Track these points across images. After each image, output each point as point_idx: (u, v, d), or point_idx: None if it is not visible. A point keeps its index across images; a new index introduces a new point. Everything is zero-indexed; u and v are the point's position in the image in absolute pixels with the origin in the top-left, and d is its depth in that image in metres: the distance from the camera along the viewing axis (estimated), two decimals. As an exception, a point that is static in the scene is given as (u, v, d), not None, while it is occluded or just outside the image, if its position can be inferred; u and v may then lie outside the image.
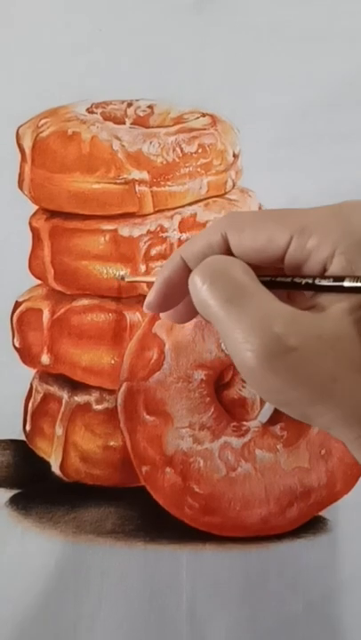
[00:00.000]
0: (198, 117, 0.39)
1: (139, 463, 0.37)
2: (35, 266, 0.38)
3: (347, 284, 0.23)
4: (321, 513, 0.37)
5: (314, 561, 0.36)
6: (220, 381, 0.38)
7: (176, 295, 0.27)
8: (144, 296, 0.37)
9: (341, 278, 0.23)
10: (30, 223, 0.39)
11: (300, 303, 0.24)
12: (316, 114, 0.39)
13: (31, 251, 0.38)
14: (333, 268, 0.23)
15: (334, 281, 0.23)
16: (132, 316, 0.38)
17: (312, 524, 0.37)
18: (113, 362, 0.38)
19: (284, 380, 0.22)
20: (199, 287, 0.24)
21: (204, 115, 0.39)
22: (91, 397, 0.38)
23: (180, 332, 0.37)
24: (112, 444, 0.37)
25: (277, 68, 0.40)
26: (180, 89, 0.40)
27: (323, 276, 0.24)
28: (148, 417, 0.37)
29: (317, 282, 0.24)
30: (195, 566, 0.36)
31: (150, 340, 0.37)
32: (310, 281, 0.24)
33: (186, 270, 0.26)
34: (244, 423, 0.37)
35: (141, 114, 0.39)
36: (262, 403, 0.37)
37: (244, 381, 0.37)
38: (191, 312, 0.27)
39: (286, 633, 0.36)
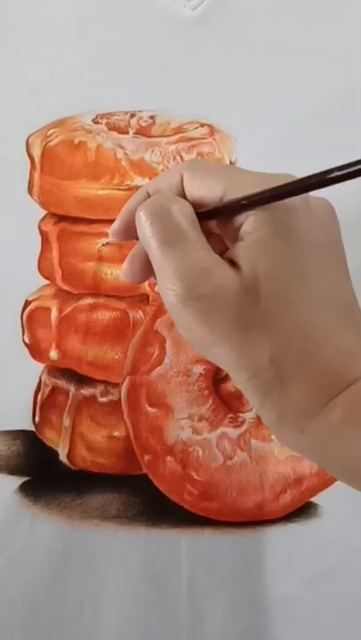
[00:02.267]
0: (197, 127, 0.39)
1: (141, 452, 0.38)
2: (43, 267, 0.39)
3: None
4: (312, 499, 0.38)
5: (306, 544, 0.37)
6: (217, 375, 0.38)
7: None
8: (146, 295, 0.38)
9: (263, 192, 0.25)
10: (39, 227, 0.39)
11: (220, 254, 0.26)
12: (308, 125, 0.39)
13: (40, 253, 0.39)
14: None
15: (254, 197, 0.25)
16: (135, 314, 0.38)
17: (304, 510, 0.38)
18: (117, 357, 0.38)
19: (193, 320, 0.24)
20: (143, 224, 0.25)
21: (202, 125, 0.39)
22: (96, 390, 0.38)
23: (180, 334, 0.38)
24: (116, 434, 0.38)
25: (272, 82, 0.40)
26: (180, 101, 0.40)
27: (243, 197, 0.25)
28: (149, 409, 0.38)
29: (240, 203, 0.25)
30: (194, 549, 0.37)
31: (152, 336, 0.38)
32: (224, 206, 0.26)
33: None
34: (241, 415, 0.38)
35: (144, 124, 0.40)
36: None
37: None
38: (146, 272, 0.28)
39: (280, 612, 0.37)
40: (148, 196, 0.28)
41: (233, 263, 0.25)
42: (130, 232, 0.28)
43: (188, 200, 0.27)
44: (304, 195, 0.26)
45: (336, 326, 0.25)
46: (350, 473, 0.25)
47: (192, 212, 0.26)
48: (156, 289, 0.29)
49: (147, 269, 0.28)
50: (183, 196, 0.27)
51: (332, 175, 0.23)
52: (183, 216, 0.25)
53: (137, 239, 0.27)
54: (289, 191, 0.24)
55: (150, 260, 0.26)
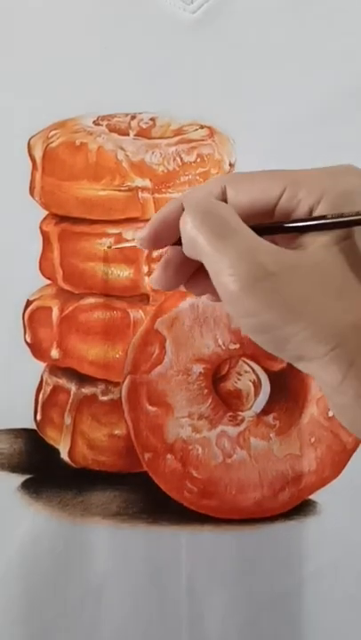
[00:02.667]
0: (197, 129, 0.40)
1: (142, 450, 0.38)
2: (45, 267, 0.39)
3: (323, 221, 0.24)
4: (311, 496, 0.38)
5: (304, 541, 0.38)
6: (217, 374, 0.38)
7: (168, 236, 0.27)
8: (147, 295, 0.38)
9: (322, 217, 0.24)
10: (41, 227, 0.39)
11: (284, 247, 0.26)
12: (305, 126, 0.39)
13: (42, 253, 0.39)
14: (318, 212, 0.25)
15: (314, 220, 0.25)
16: (136, 313, 0.38)
17: (302, 507, 0.38)
18: (118, 356, 0.38)
19: (261, 302, 0.23)
20: (189, 224, 0.25)
21: (202, 127, 0.40)
22: (97, 389, 0.39)
23: (180, 328, 0.38)
24: (117, 432, 0.38)
25: (270, 84, 0.40)
26: (179, 103, 0.40)
27: (305, 218, 0.25)
28: (150, 407, 0.38)
29: (299, 224, 0.25)
30: (194, 546, 0.37)
31: (152, 335, 0.38)
32: (292, 224, 0.25)
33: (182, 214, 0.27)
34: (240, 413, 0.38)
35: (144, 126, 0.40)
36: (256, 394, 0.38)
37: (239, 374, 0.38)
38: (178, 279, 0.28)
39: (279, 608, 0.37)
40: (182, 206, 0.27)
41: (300, 249, 0.25)
42: (158, 242, 0.28)
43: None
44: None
45: None
46: None
47: (234, 211, 0.26)
48: (197, 284, 0.28)
49: (179, 276, 0.28)
50: None
51: None
52: (230, 214, 0.25)
53: (165, 246, 0.27)
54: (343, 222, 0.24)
55: (200, 256, 0.25)
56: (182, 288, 0.28)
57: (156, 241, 0.28)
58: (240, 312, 0.24)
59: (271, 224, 0.26)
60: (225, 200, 0.27)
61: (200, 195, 0.27)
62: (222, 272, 0.24)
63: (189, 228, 0.25)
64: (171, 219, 0.27)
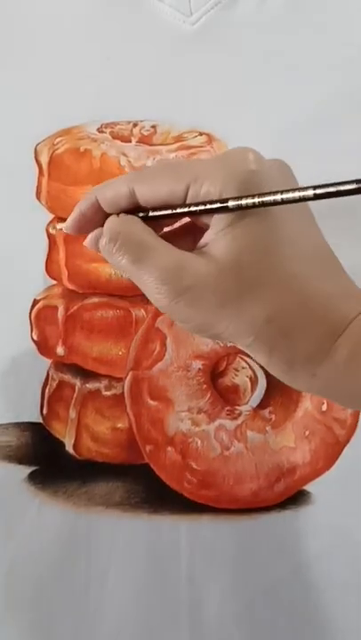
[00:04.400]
0: (196, 136, 0.40)
1: (143, 443, 0.38)
2: (51, 268, 0.39)
3: (216, 205, 0.26)
4: (305, 487, 0.38)
5: (299, 530, 0.38)
6: (215, 370, 0.39)
7: (89, 225, 0.29)
8: None
9: (217, 201, 0.26)
10: (47, 230, 0.39)
11: (192, 245, 0.28)
12: (299, 134, 0.39)
13: (48, 254, 0.39)
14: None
15: (209, 204, 0.26)
16: (138, 312, 0.39)
17: (297, 497, 0.38)
18: (120, 353, 0.39)
19: (187, 312, 0.26)
20: (110, 252, 0.27)
21: (201, 134, 0.40)
22: (100, 384, 0.39)
23: (180, 326, 0.39)
24: (119, 425, 0.39)
25: (265, 93, 0.40)
26: (179, 111, 0.40)
27: (202, 202, 0.26)
28: (151, 402, 0.38)
29: (199, 207, 0.26)
30: (193, 535, 0.38)
31: (153, 333, 0.39)
32: (185, 209, 0.27)
33: (99, 210, 0.28)
34: (237, 407, 0.39)
35: (145, 133, 0.40)
36: (253, 389, 0.39)
37: (237, 370, 0.39)
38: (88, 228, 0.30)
39: (274, 594, 0.38)
40: (97, 201, 0.29)
41: (207, 251, 0.26)
42: (81, 227, 0.29)
43: (146, 207, 0.28)
44: (259, 158, 0.27)
45: (321, 274, 0.27)
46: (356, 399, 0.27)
47: (144, 224, 0.27)
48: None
49: (89, 226, 0.29)
50: (134, 205, 0.28)
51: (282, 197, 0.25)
52: (143, 232, 0.27)
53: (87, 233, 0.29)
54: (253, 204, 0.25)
55: (126, 276, 0.27)
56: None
57: (78, 231, 0.30)
58: (176, 320, 0.27)
59: (162, 213, 0.28)
60: (134, 198, 0.28)
61: (108, 194, 0.28)
62: (148, 292, 0.26)
63: (110, 254, 0.27)
64: (89, 214, 0.29)
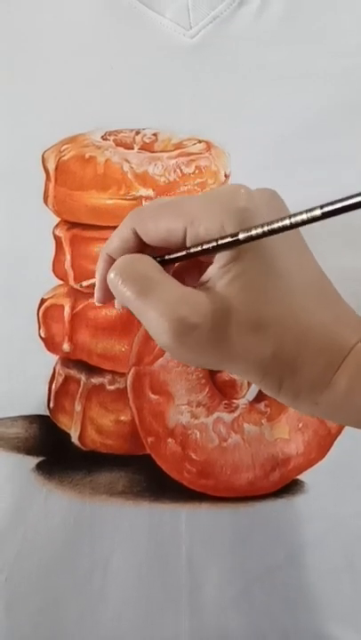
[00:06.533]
0: (195, 144, 0.41)
1: (145, 435, 0.39)
2: (57, 268, 0.40)
3: (213, 244, 0.25)
4: (299, 477, 0.39)
5: (293, 517, 0.38)
6: None
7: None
8: None
9: (228, 236, 0.25)
10: (54, 233, 0.40)
11: (196, 280, 0.27)
12: (295, 141, 0.40)
13: (54, 256, 0.40)
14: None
15: (221, 240, 0.26)
16: None
17: (291, 486, 0.39)
18: (123, 349, 0.39)
19: (194, 351, 0.25)
20: (115, 285, 0.26)
21: (200, 141, 0.41)
22: (104, 379, 0.39)
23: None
24: (122, 418, 0.39)
25: (263, 103, 0.41)
26: (180, 120, 0.41)
27: (213, 239, 0.26)
28: (152, 396, 0.39)
29: (211, 245, 0.26)
30: (192, 522, 0.38)
31: None
32: (199, 248, 0.26)
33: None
34: (234, 401, 0.39)
35: (147, 140, 0.41)
36: (249, 384, 0.39)
37: None
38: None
39: (270, 579, 0.38)
40: (110, 258, 0.29)
41: (210, 286, 0.26)
42: (111, 295, 0.29)
43: (151, 246, 0.27)
44: (250, 193, 0.26)
45: (318, 304, 0.26)
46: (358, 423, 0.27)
47: (155, 262, 0.27)
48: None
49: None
50: (141, 246, 0.28)
51: (281, 224, 0.24)
52: (149, 267, 0.26)
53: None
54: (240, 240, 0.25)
55: (131, 311, 0.26)
56: None
57: (108, 296, 0.30)
58: (179, 359, 0.27)
59: (168, 257, 0.27)
60: (139, 240, 0.27)
61: (115, 244, 0.28)
62: (153, 328, 0.25)
63: (116, 287, 0.26)
64: (106, 273, 0.28)
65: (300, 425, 0.39)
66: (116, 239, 0.29)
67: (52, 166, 0.41)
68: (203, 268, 0.28)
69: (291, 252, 0.27)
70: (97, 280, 0.30)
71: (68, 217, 0.40)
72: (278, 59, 0.42)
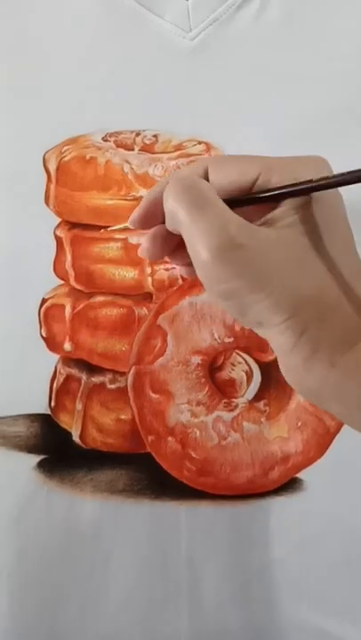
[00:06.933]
0: (195, 145, 0.41)
1: (145, 433, 0.39)
2: (58, 268, 0.40)
3: (284, 190, 0.26)
4: (298, 475, 0.39)
5: (292, 515, 0.39)
6: (213, 365, 0.40)
7: (157, 215, 0.28)
8: (150, 294, 0.40)
9: (283, 187, 0.26)
10: (55, 233, 0.40)
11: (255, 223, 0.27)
12: (294, 142, 0.39)
13: (55, 256, 0.40)
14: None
15: (279, 189, 0.26)
16: (140, 310, 0.39)
17: (290, 484, 0.39)
18: (124, 349, 0.39)
19: (230, 270, 0.24)
20: (170, 197, 0.25)
21: (200, 142, 0.41)
22: (105, 378, 0.40)
23: (180, 323, 0.39)
24: (123, 417, 0.39)
25: (261, 104, 0.41)
26: (179, 121, 0.41)
27: (267, 190, 0.26)
28: (153, 395, 0.39)
29: (268, 194, 0.26)
30: (192, 519, 0.39)
31: (155, 330, 0.39)
32: (261, 195, 0.26)
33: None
34: (234, 400, 0.39)
35: (147, 142, 0.41)
36: (249, 383, 0.40)
37: (233, 365, 0.40)
38: (163, 251, 0.29)
39: (269, 574, 0.39)
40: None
41: (269, 224, 0.26)
42: (149, 221, 0.28)
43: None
44: (329, 166, 0.27)
45: (357, 278, 0.26)
46: None
47: (212, 187, 0.26)
48: (179, 256, 0.29)
49: (164, 248, 0.28)
50: None
51: (358, 174, 0.25)
52: (208, 189, 0.26)
53: (154, 225, 0.28)
54: (314, 187, 0.26)
55: (179, 227, 0.25)
56: (167, 258, 0.29)
57: (146, 220, 0.28)
58: (210, 279, 0.25)
59: (242, 197, 0.27)
60: (207, 179, 0.27)
61: (183, 174, 0.27)
62: (196, 242, 0.25)
63: (170, 201, 0.26)
64: (159, 198, 0.27)
65: (299, 423, 0.39)
66: (186, 172, 0.28)
67: (53, 167, 0.41)
68: (258, 218, 0.27)
69: (342, 221, 0.27)
70: (145, 199, 0.28)
71: (69, 217, 0.40)
72: (277, 61, 0.42)
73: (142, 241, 0.29)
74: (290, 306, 0.25)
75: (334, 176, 0.26)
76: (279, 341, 0.25)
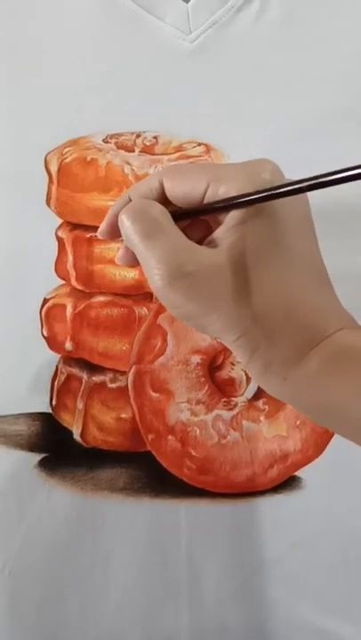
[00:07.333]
0: (195, 146, 0.41)
1: (145, 432, 0.39)
2: (60, 269, 0.40)
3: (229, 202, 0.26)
4: (296, 473, 0.39)
5: (290, 512, 0.39)
6: (213, 364, 0.40)
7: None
8: (150, 294, 0.40)
9: (221, 201, 0.26)
10: (56, 234, 0.40)
11: (201, 240, 0.28)
12: (293, 144, 0.41)
13: (57, 256, 0.40)
14: None
15: (223, 202, 0.26)
16: (140, 310, 0.40)
17: (289, 482, 0.39)
18: (124, 348, 0.40)
19: (182, 297, 0.26)
20: (125, 224, 0.27)
21: (199, 144, 0.41)
22: (106, 377, 0.40)
23: (180, 323, 0.38)
24: (123, 416, 0.40)
25: (260, 106, 0.41)
26: (179, 123, 0.41)
27: (217, 201, 0.27)
28: (153, 394, 0.39)
29: (208, 207, 0.27)
30: (192, 517, 0.39)
31: (155, 330, 0.40)
32: (203, 209, 0.27)
33: None
34: (233, 399, 0.40)
35: (148, 143, 0.41)
36: (248, 382, 0.40)
37: (233, 364, 0.40)
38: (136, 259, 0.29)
39: (268, 572, 0.39)
40: (130, 200, 0.29)
41: (213, 246, 0.26)
42: (114, 232, 0.29)
43: (170, 201, 0.28)
44: (276, 168, 0.27)
45: (312, 287, 0.27)
46: (326, 413, 0.26)
47: (166, 211, 0.27)
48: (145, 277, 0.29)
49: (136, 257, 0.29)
50: (163, 199, 0.28)
51: (302, 185, 0.25)
52: (160, 214, 0.27)
53: (121, 238, 0.28)
54: (262, 198, 0.26)
55: (134, 250, 0.27)
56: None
57: (111, 233, 0.30)
58: (166, 303, 0.26)
59: (188, 209, 0.28)
60: (163, 192, 0.28)
61: (141, 190, 0.28)
62: (149, 269, 0.26)
63: (125, 226, 0.27)
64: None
65: (298, 422, 0.40)
66: (143, 186, 0.29)
67: (54, 168, 0.41)
68: (209, 232, 0.28)
69: (297, 229, 0.28)
70: (108, 214, 0.30)
71: (70, 218, 0.41)
72: (276, 63, 0.42)
73: (119, 250, 0.30)
74: (237, 327, 0.26)
75: (272, 188, 0.25)
76: (238, 356, 0.27)
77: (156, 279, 0.26)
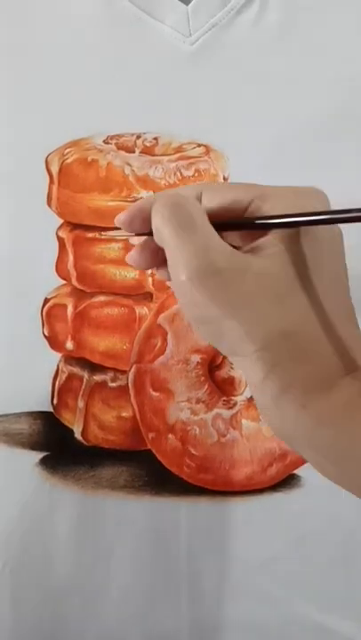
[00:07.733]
0: (195, 147, 0.41)
1: (146, 430, 0.39)
2: (61, 269, 0.40)
3: (277, 220, 0.25)
4: (295, 471, 0.39)
5: (290, 511, 0.39)
6: (212, 363, 0.40)
7: (141, 223, 0.27)
8: (150, 293, 0.40)
9: (277, 216, 0.25)
10: (57, 234, 0.40)
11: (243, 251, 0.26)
12: (293, 146, 0.41)
13: (58, 256, 0.40)
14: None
15: (270, 218, 0.25)
16: (141, 309, 0.40)
17: (288, 481, 0.39)
18: (125, 347, 0.40)
19: (207, 296, 0.24)
20: (159, 214, 0.25)
21: (199, 145, 0.41)
22: (107, 376, 0.40)
23: (180, 323, 0.40)
24: (124, 414, 0.40)
25: (259, 108, 0.41)
26: (179, 124, 0.41)
27: (258, 217, 0.25)
28: (153, 393, 0.39)
29: (256, 222, 0.25)
30: (192, 515, 0.39)
31: (155, 329, 0.40)
32: (248, 222, 0.25)
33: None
34: (233, 398, 0.40)
35: (148, 144, 0.41)
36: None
37: (232, 363, 0.40)
38: (150, 262, 0.28)
39: (267, 569, 0.39)
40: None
41: (253, 252, 0.25)
42: (133, 224, 0.28)
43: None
44: (326, 200, 0.26)
45: (341, 317, 0.25)
46: (345, 453, 0.24)
47: (203, 209, 0.26)
48: (167, 270, 0.27)
49: (152, 260, 0.28)
50: None
51: (353, 215, 0.23)
52: (196, 210, 0.25)
53: (137, 234, 0.28)
54: (298, 222, 0.25)
55: (163, 245, 0.25)
56: (155, 270, 0.29)
57: (130, 224, 0.28)
58: (186, 301, 0.25)
59: (230, 221, 0.26)
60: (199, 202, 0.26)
61: (177, 191, 0.27)
62: (177, 262, 0.24)
63: (158, 217, 0.25)
64: (146, 208, 0.26)
65: (297, 421, 0.40)
66: (182, 190, 0.27)
67: (55, 169, 0.41)
68: (239, 246, 0.27)
69: (333, 260, 0.26)
70: (131, 206, 0.28)
71: (71, 219, 0.41)
72: (276, 65, 0.43)
73: (133, 249, 0.29)
74: (262, 338, 0.24)
75: (322, 213, 0.25)
76: (251, 374, 0.24)
77: (182, 272, 0.24)
